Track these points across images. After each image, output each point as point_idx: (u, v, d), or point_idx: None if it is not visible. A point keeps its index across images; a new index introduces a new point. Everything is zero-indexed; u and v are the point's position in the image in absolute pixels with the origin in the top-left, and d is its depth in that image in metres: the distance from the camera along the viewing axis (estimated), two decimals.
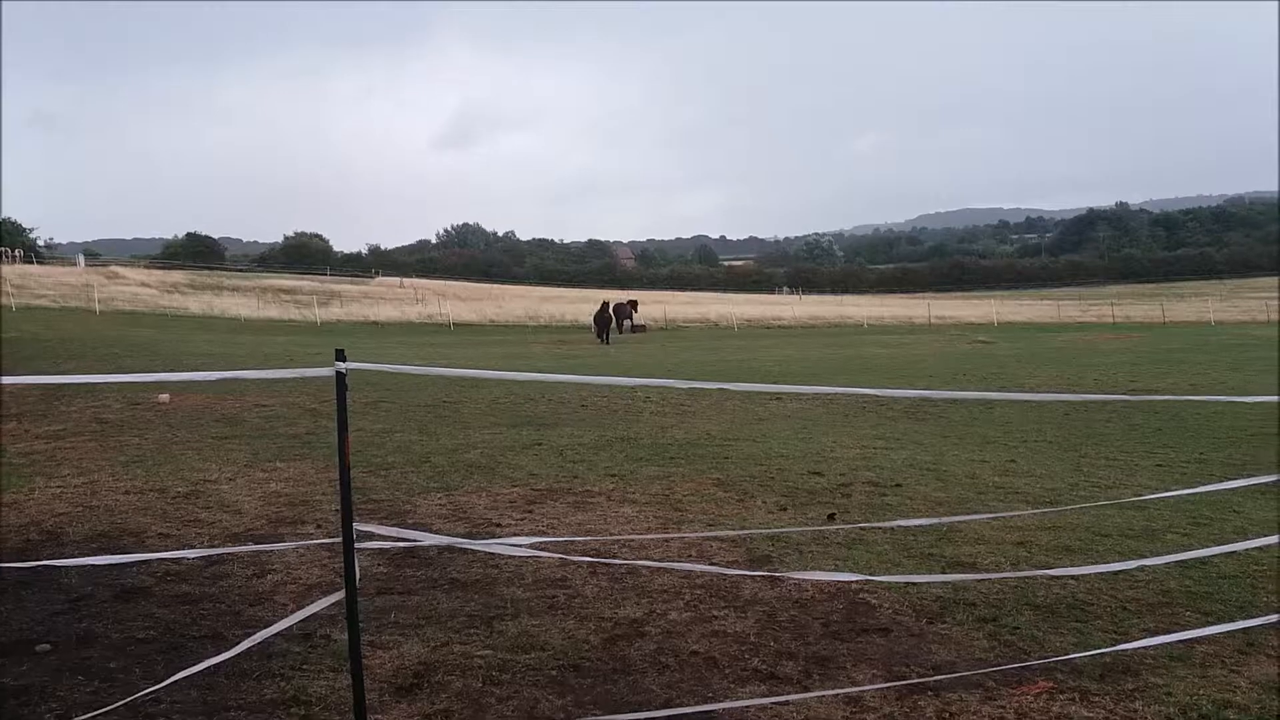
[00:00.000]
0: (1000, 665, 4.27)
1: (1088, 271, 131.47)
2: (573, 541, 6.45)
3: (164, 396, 16.48)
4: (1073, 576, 5.63)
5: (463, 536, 6.87)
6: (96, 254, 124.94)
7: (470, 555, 6.32)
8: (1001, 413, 16.17)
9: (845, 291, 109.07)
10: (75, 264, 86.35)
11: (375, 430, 13.08)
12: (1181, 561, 6.05)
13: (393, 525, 7.29)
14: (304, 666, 4.41)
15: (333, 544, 6.69)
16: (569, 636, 4.75)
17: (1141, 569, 5.82)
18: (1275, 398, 4.98)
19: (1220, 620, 4.92)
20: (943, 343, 41.55)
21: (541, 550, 4.51)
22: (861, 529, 7.01)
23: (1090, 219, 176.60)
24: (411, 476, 9.27)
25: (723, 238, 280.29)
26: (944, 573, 5.73)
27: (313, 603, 3.58)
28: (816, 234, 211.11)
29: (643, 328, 49.21)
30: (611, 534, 6.81)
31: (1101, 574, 5.70)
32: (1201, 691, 3.98)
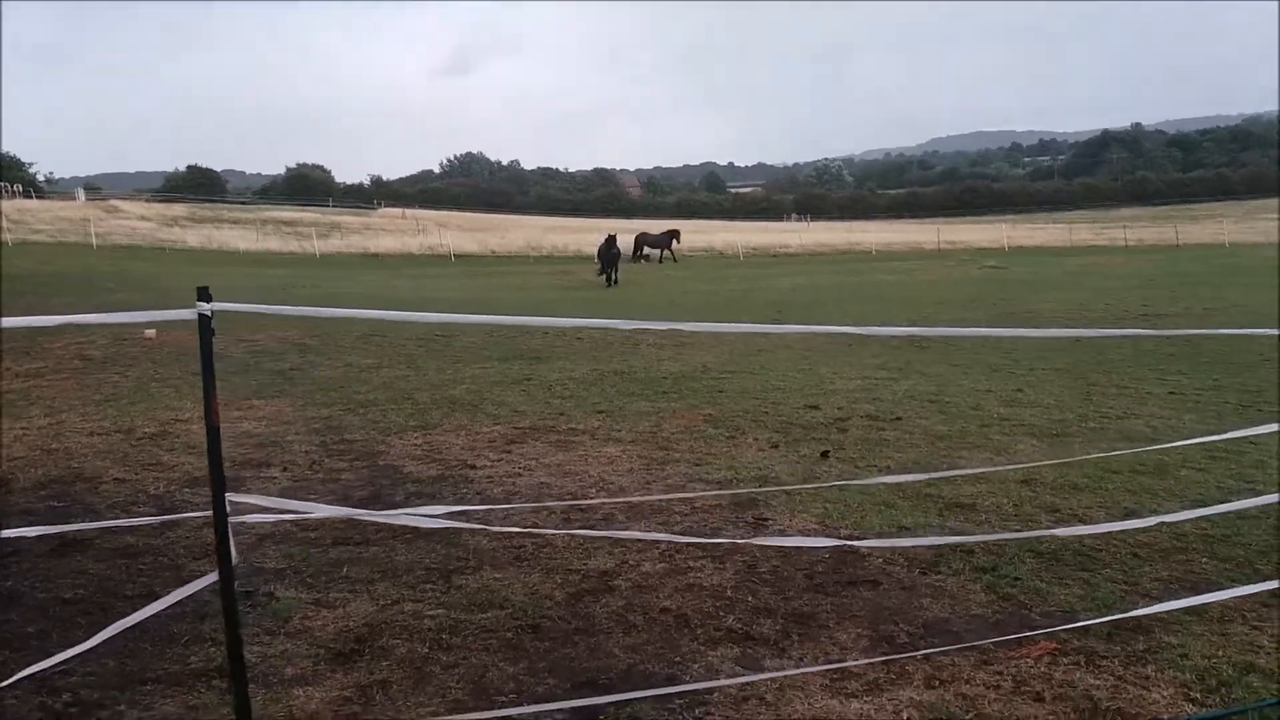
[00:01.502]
0: (999, 623, 3.89)
1: (1101, 194, 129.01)
2: (546, 486, 6.08)
3: (150, 332, 16.11)
4: (1080, 520, 5.24)
5: (434, 478, 6.51)
6: (98, 188, 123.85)
7: (439, 500, 5.96)
8: (1008, 339, 15.70)
9: (854, 218, 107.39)
10: (75, 198, 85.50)
11: (363, 365, 12.69)
12: (1197, 500, 5.67)
13: (363, 464, 6.99)
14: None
15: (292, 488, 6.36)
16: (532, 592, 4.38)
17: (1154, 510, 5.43)
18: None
19: (1239, 566, 4.54)
20: (952, 268, 40.83)
21: (458, 521, 4.07)
22: (857, 467, 6.62)
23: (1104, 141, 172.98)
24: (391, 414, 8.90)
25: (731, 164, 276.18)
26: (940, 516, 5.33)
27: (201, 580, 3.17)
28: (826, 159, 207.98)
29: (647, 258, 48.30)
30: (590, 476, 6.43)
31: (1112, 515, 5.31)
32: (1221, 653, 3.59)
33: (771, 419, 8.50)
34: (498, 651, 3.76)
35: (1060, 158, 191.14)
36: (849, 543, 4.39)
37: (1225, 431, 8.15)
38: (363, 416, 8.79)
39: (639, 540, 4.99)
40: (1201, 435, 7.92)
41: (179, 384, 10.92)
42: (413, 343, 15.21)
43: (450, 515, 3.82)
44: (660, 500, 5.66)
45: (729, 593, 4.25)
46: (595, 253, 34.86)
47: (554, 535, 5.15)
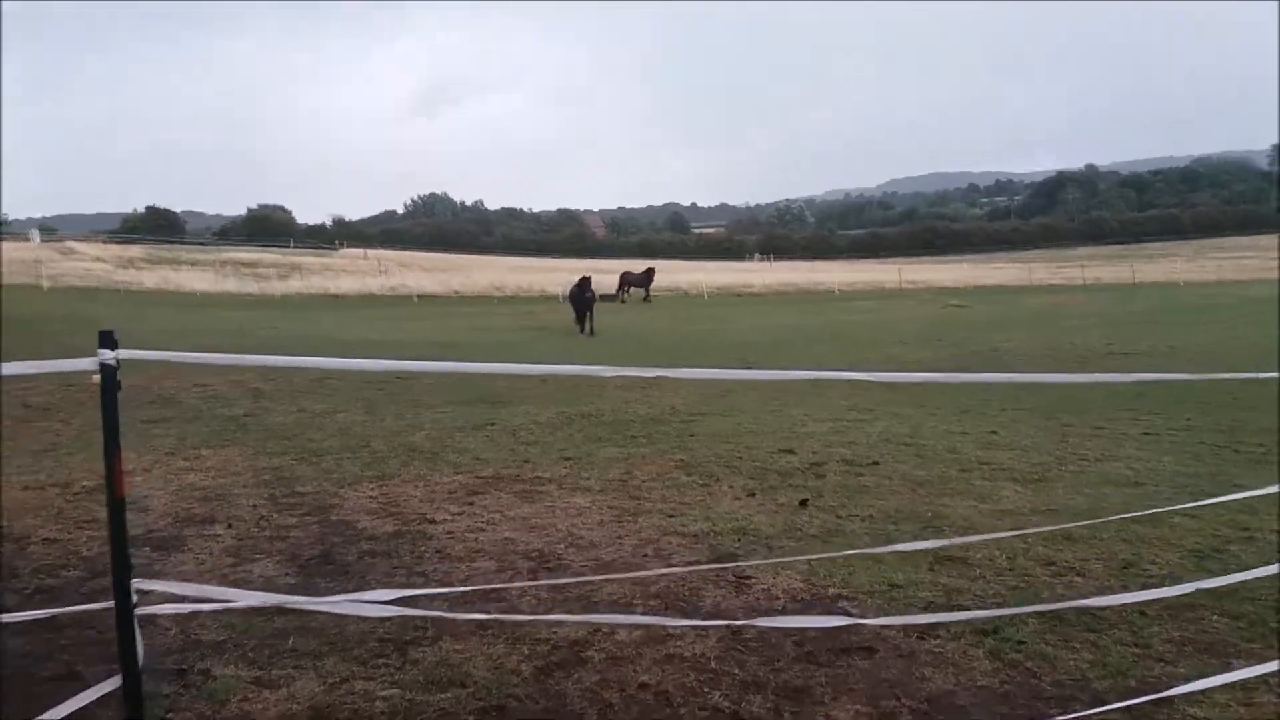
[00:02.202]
0: (1008, 695, 3.57)
1: (1057, 233, 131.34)
2: (511, 542, 5.69)
3: (96, 376, 15.52)
4: (1078, 574, 4.95)
5: (390, 534, 6.09)
6: (53, 229, 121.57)
7: (395, 559, 5.56)
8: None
9: (816, 257, 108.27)
10: (29, 239, 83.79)
11: (316, 410, 12.22)
12: (1195, 550, 5.43)
13: (314, 520, 6.55)
14: (168, 716, 3.62)
15: (236, 547, 5.92)
16: (496, 666, 3.99)
17: (1153, 561, 5.16)
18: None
19: (1253, 624, 4.26)
20: (915, 307, 41.05)
21: (408, 608, 3.68)
22: (838, 517, 6.30)
23: (1059, 181, 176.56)
24: (346, 463, 8.46)
25: (694, 205, 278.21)
26: (931, 571, 5.02)
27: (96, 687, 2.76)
28: (788, 200, 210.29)
29: (627, 297, 47.88)
30: (558, 530, 6.05)
31: (1110, 569, 5.03)
32: None
33: (745, 464, 8.18)
34: None
35: (1016, 198, 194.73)
36: (856, 620, 4.03)
37: (1203, 473, 8.04)
38: (316, 466, 8.35)
39: (614, 602, 4.62)
40: (1181, 478, 7.77)
41: (123, 432, 10.36)
42: (370, 386, 14.75)
43: (400, 600, 3.42)
44: (633, 559, 5.30)
45: (713, 664, 3.89)
46: (564, 295, 30.81)
47: (519, 595, 4.77)
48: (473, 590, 4.90)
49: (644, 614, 4.48)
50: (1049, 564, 5.11)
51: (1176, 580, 4.75)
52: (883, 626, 4.13)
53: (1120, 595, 4.47)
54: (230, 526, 6.42)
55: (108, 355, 2.33)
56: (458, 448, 9.07)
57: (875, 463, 8.17)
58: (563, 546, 5.65)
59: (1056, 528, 5.85)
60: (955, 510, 6.40)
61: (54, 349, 21.56)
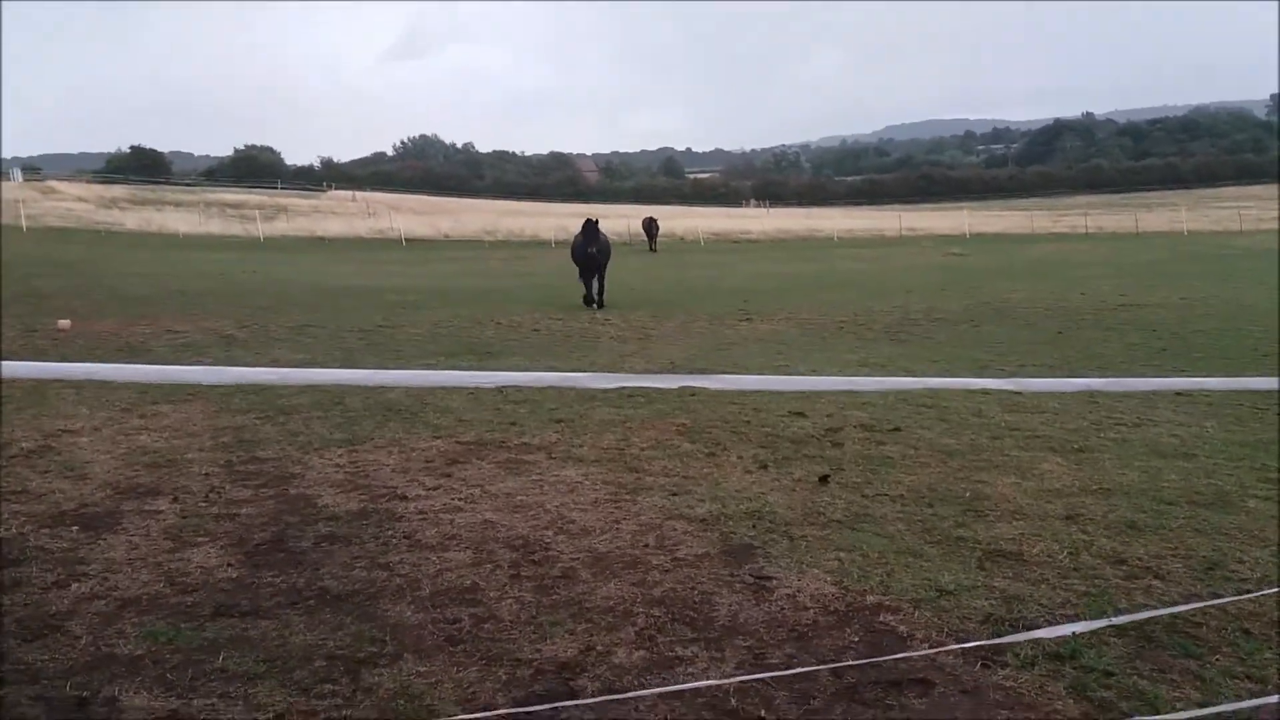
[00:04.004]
0: None
1: (1055, 182, 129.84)
2: (491, 525, 4.93)
3: (64, 322, 14.69)
4: (1155, 575, 4.22)
5: (354, 514, 5.33)
6: (37, 169, 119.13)
7: (357, 547, 4.80)
8: (989, 331, 14.86)
9: (814, 204, 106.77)
10: (10, 179, 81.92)
11: (293, 360, 11.44)
12: None
13: (270, 493, 5.78)
14: None
15: (178, 527, 5.16)
16: (466, 695, 3.26)
17: (1240, 559, 4.43)
18: None
19: None
20: (916, 255, 40.16)
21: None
22: (864, 496, 5.56)
23: (1057, 129, 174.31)
24: (315, 423, 7.69)
25: (689, 150, 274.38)
26: (982, 571, 4.28)
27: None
28: (783, 145, 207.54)
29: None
30: (547, 511, 5.29)
31: (1191, 569, 4.29)
32: None
33: (754, 430, 7.42)
34: None
35: (1013, 146, 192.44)
36: (907, 655, 3.27)
37: (1256, 441, 7.32)
38: (281, 427, 7.57)
39: (610, 610, 3.88)
40: (1233, 446, 7.05)
41: (81, 384, 9.56)
42: (352, 335, 13.95)
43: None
44: (632, 550, 4.55)
45: (732, 701, 3.15)
46: (570, 248, 19.06)
47: (499, 598, 4.03)
48: (444, 589, 4.15)
49: (645, 625, 3.74)
50: (1118, 562, 4.37)
51: (1273, 584, 4.04)
52: (937, 653, 3.39)
53: (1211, 602, 3.75)
54: (176, 500, 5.65)
55: None
56: (439, 406, 8.29)
57: (897, 428, 7.42)
58: (551, 533, 4.88)
59: (1116, 514, 5.13)
60: (996, 489, 5.65)
61: (22, 290, 20.63)
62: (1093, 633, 3.50)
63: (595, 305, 17.74)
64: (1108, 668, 3.34)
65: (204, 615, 3.97)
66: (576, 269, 18.43)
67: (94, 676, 3.48)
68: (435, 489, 5.75)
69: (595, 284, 17.93)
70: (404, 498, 5.58)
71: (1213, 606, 3.78)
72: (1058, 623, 3.66)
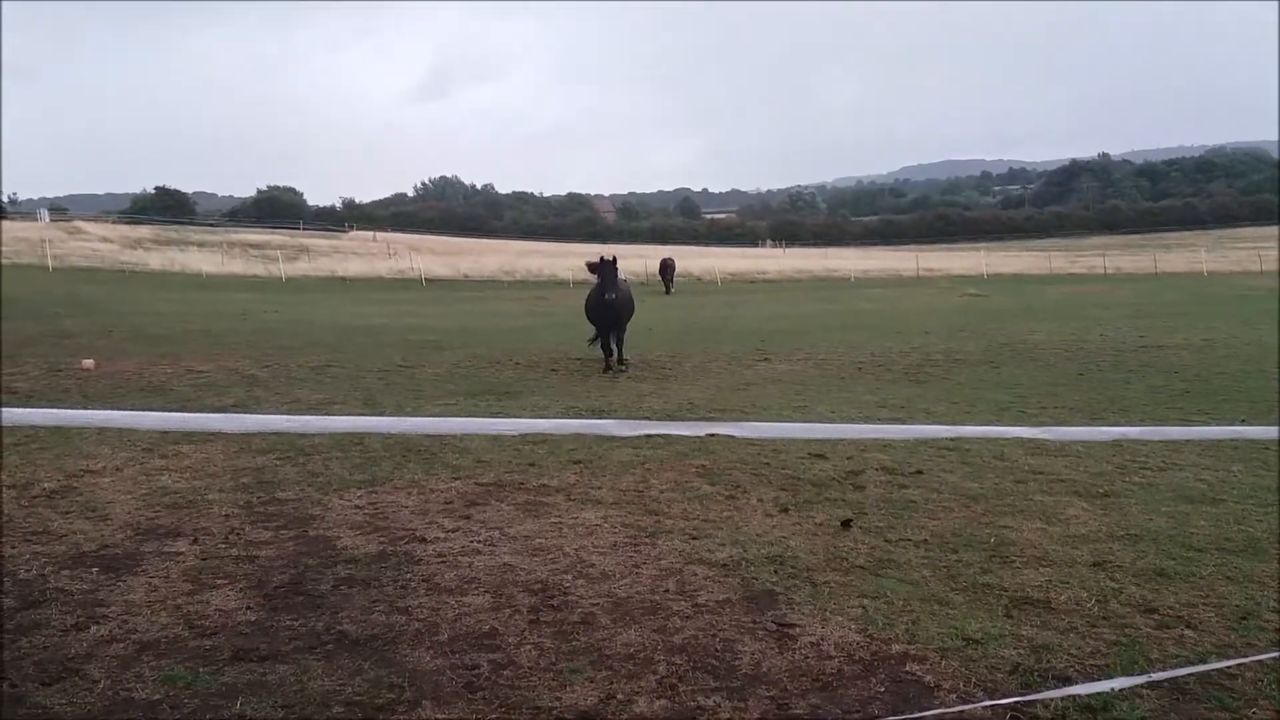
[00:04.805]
0: None
1: (1072, 222, 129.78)
2: (510, 569, 4.89)
3: (88, 362, 14.82)
4: (1187, 625, 4.13)
5: (374, 556, 5.31)
6: (64, 209, 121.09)
7: (376, 590, 4.77)
8: (1009, 373, 14.76)
9: (829, 244, 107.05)
10: (38, 219, 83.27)
11: (313, 401, 11.48)
12: None
13: (290, 534, 5.77)
14: None
15: (197, 569, 5.15)
16: None
17: (1275, 609, 4.34)
18: None
19: None
20: (934, 295, 40.07)
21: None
22: (887, 540, 5.49)
23: (1074, 170, 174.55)
24: (335, 464, 7.69)
25: (705, 190, 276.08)
26: (1010, 620, 4.21)
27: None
28: (799, 186, 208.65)
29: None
30: (566, 554, 5.25)
31: (1225, 619, 4.20)
32: None
33: (774, 471, 7.38)
34: None
35: (1030, 186, 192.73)
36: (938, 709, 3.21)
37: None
38: (301, 467, 7.58)
39: (630, 657, 3.82)
40: (1263, 492, 6.93)
41: (104, 424, 9.63)
42: (372, 375, 14.00)
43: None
44: (652, 595, 4.50)
45: None
46: (585, 300, 15.79)
47: (518, 643, 3.98)
48: (463, 634, 4.12)
49: (667, 673, 3.68)
50: (1149, 610, 4.29)
51: None
52: (962, 699, 3.32)
53: (1248, 657, 3.67)
54: (196, 542, 5.65)
55: None
56: (458, 447, 8.28)
57: (919, 471, 7.36)
58: (570, 577, 4.85)
59: (1144, 560, 5.04)
60: (1021, 534, 5.58)
61: (46, 328, 20.91)
62: (1128, 687, 3.42)
63: (617, 366, 14.71)
64: None
65: (222, 659, 3.95)
66: (592, 326, 15.21)
67: None
68: (454, 531, 5.73)
69: (615, 344, 14.77)
70: (423, 540, 5.56)
71: (1242, 648, 3.69)
72: (1089, 673, 3.58)
